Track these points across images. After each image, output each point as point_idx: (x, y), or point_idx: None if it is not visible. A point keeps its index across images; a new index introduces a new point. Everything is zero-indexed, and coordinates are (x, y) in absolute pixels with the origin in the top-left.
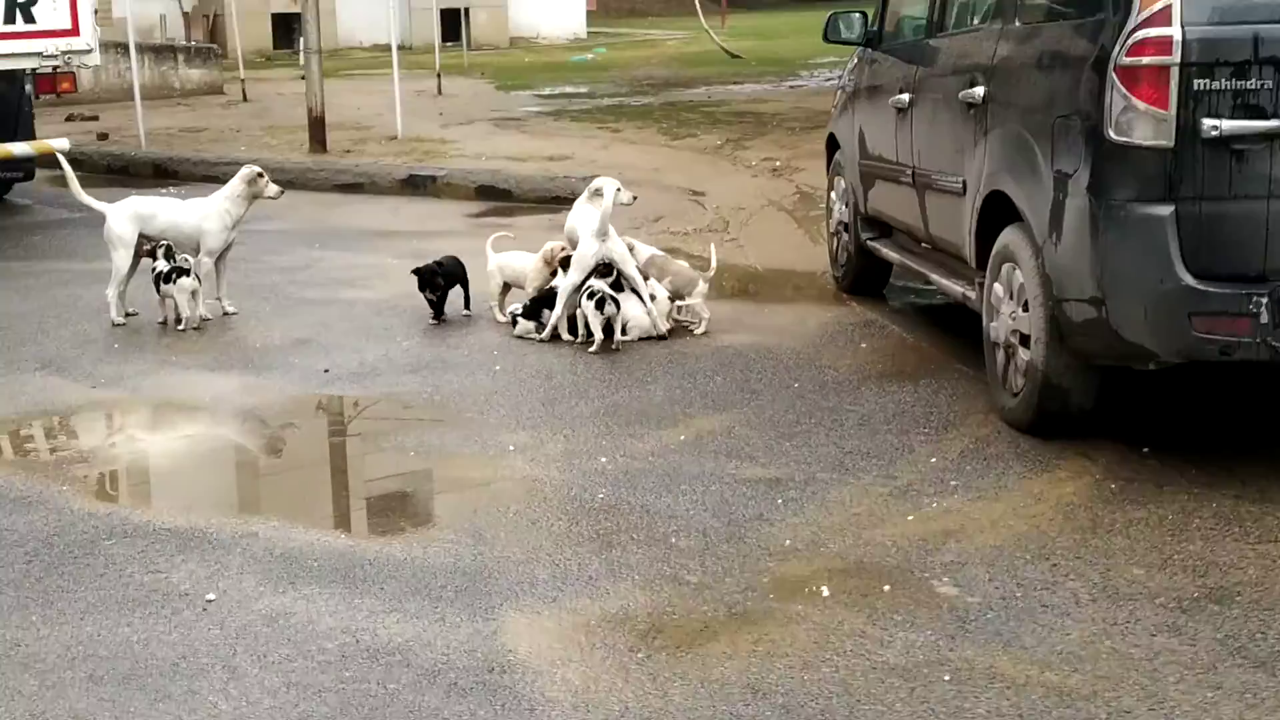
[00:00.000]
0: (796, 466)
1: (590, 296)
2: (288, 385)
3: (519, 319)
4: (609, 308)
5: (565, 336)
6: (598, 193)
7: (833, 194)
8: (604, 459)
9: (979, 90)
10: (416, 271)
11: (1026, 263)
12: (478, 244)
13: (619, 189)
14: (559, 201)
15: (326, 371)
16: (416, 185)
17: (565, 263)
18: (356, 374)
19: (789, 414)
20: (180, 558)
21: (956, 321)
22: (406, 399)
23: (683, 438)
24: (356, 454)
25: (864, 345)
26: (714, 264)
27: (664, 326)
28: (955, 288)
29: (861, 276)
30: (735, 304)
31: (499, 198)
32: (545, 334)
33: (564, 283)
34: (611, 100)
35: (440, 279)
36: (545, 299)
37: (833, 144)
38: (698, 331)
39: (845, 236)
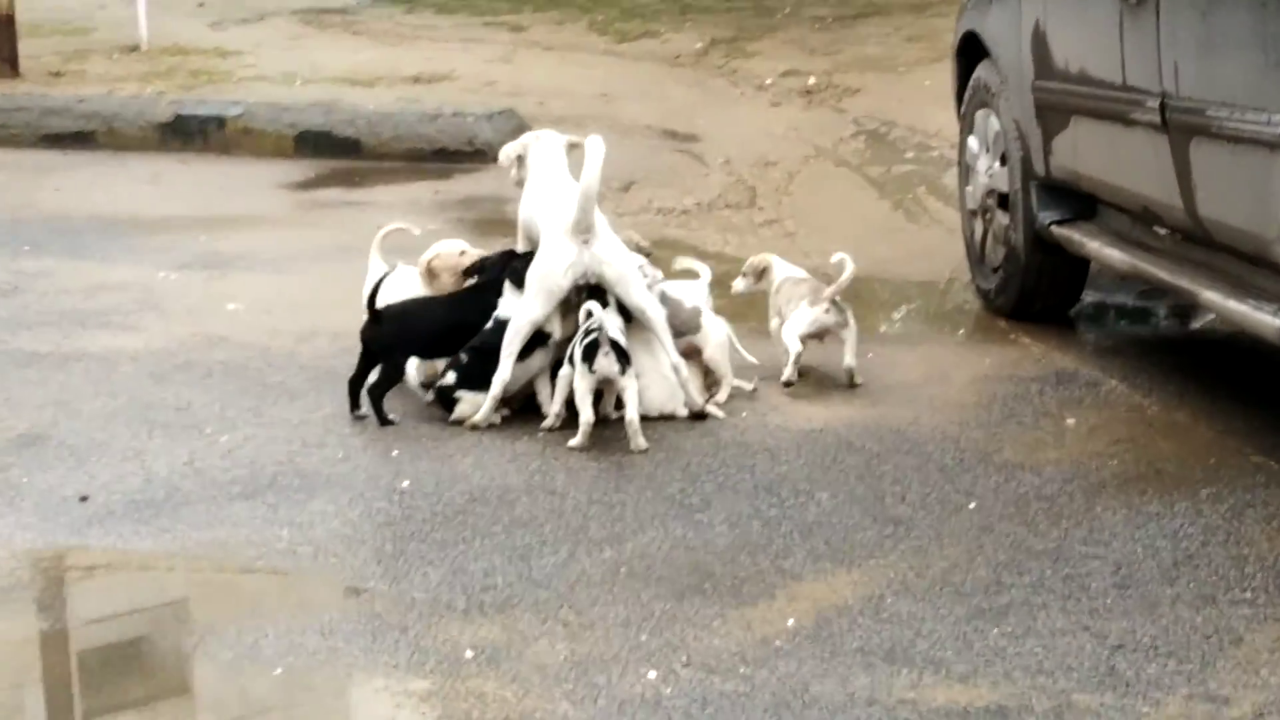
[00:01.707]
0: (1028, 679)
1: (579, 344)
2: (9, 532)
3: (457, 391)
4: (605, 361)
5: (546, 408)
6: (574, 147)
7: (973, 142)
8: (652, 674)
9: None
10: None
11: None
12: (318, 240)
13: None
14: (448, 157)
15: (84, 500)
16: (189, 133)
17: (515, 271)
18: (139, 504)
19: (978, 564)
20: None
21: (1230, 368)
22: (240, 557)
23: (791, 622)
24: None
25: (1071, 421)
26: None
27: (699, 398)
28: (1257, 315)
29: (1035, 289)
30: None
31: (338, 152)
32: (480, 416)
33: (515, 317)
34: None
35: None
36: (490, 347)
37: (970, 51)
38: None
39: (1004, 218)
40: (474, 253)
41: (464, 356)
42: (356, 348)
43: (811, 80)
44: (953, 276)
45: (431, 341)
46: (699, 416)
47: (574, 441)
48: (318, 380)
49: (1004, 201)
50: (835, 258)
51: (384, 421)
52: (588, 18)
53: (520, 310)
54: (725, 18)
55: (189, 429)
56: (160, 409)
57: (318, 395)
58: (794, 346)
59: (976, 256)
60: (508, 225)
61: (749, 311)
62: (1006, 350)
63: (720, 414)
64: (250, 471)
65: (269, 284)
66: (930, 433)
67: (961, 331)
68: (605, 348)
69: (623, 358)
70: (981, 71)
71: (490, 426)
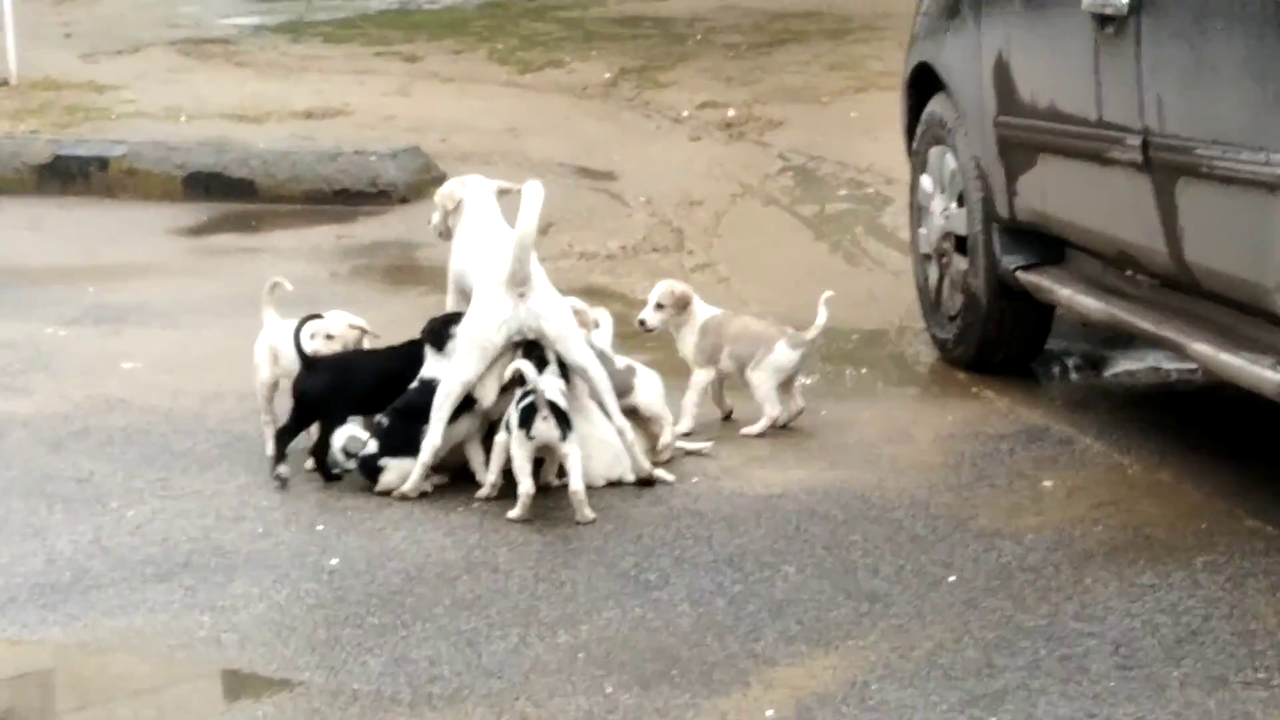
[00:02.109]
0: None
1: (515, 407)
2: None
3: (381, 459)
4: (544, 426)
5: (480, 475)
6: (505, 192)
7: (926, 181)
8: None
9: None
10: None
11: None
12: (215, 291)
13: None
14: (350, 198)
15: None
16: (69, 175)
17: (432, 331)
18: (44, 587)
19: (965, 644)
20: None
21: (1210, 422)
22: (159, 647)
23: (770, 713)
24: None
25: (1048, 483)
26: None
27: (646, 463)
28: (1254, 369)
29: (997, 339)
30: (752, 398)
31: (231, 194)
32: (410, 485)
33: (445, 379)
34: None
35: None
36: (414, 409)
37: (923, 83)
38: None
39: (962, 263)
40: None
41: (384, 420)
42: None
43: (731, 112)
44: (903, 324)
45: (370, 394)
46: (647, 483)
47: (513, 513)
48: (228, 446)
49: (962, 245)
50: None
51: (329, 478)
52: (486, 46)
53: (451, 370)
54: (632, 46)
55: (92, 503)
56: (59, 481)
57: (229, 463)
58: (773, 406)
59: (931, 304)
60: (419, 272)
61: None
62: (969, 405)
63: (670, 478)
64: (163, 550)
65: (166, 340)
66: (897, 497)
67: (919, 385)
68: (544, 411)
69: (563, 422)
70: (935, 106)
71: (421, 496)
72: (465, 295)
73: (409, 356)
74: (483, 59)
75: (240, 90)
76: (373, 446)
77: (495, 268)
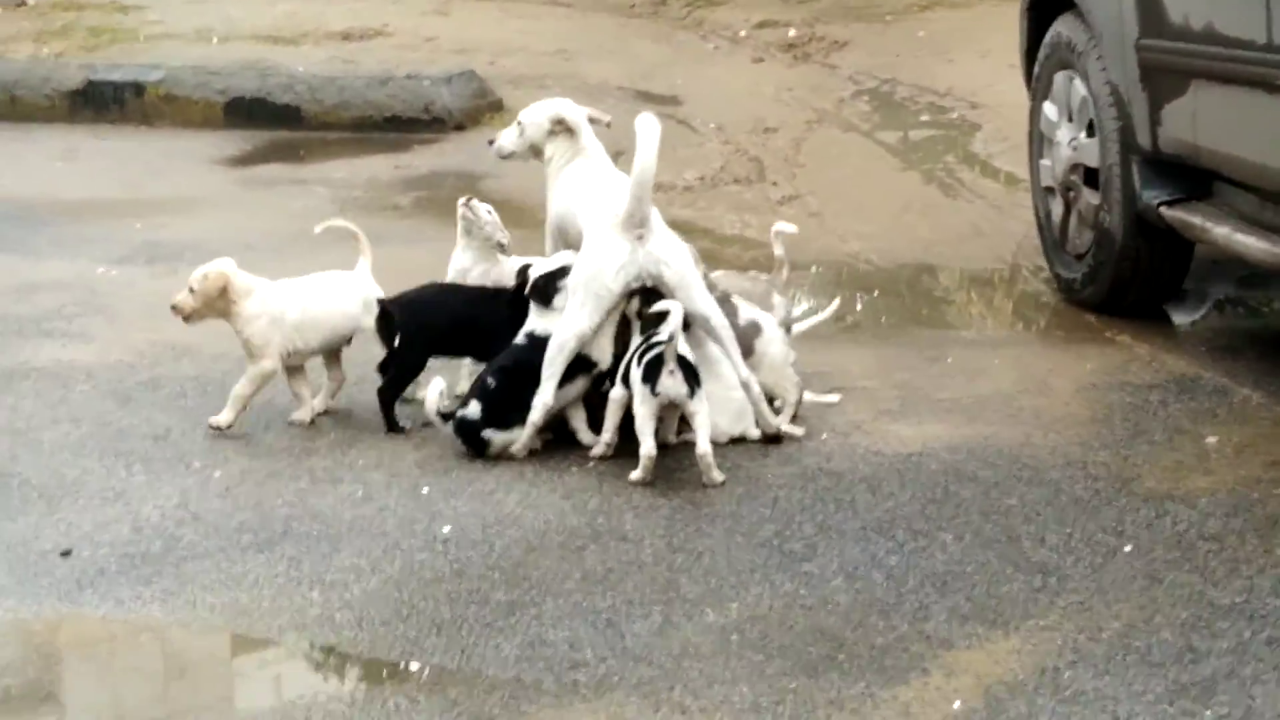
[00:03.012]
0: None
1: (640, 358)
2: None
3: (485, 430)
4: (671, 381)
5: (583, 436)
6: (595, 122)
7: (1050, 109)
8: None
9: None
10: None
11: None
12: (271, 226)
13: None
14: (402, 125)
15: (66, 555)
16: (102, 102)
17: (537, 288)
18: (134, 558)
19: (1158, 624)
20: None
21: None
22: (267, 628)
23: (958, 705)
24: None
25: (1211, 439)
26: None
27: (774, 420)
28: None
29: (1131, 279)
30: (874, 345)
31: (275, 121)
32: (520, 445)
33: (558, 331)
34: None
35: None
36: (523, 368)
37: (1047, 2)
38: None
39: (1092, 197)
40: (256, 281)
41: (491, 381)
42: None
43: (792, 32)
44: (1015, 261)
45: (448, 335)
46: (774, 440)
47: (634, 475)
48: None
49: (1092, 178)
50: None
51: (393, 428)
52: None
53: (564, 322)
54: None
55: (173, 463)
56: (134, 438)
57: (323, 418)
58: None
59: (1054, 240)
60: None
61: None
62: (1107, 351)
63: (799, 433)
64: (258, 516)
65: None
66: (1050, 456)
67: (1047, 329)
68: (670, 365)
69: (691, 377)
70: (1062, 27)
71: (530, 454)
72: (567, 240)
73: (487, 305)
74: None
75: (272, 10)
76: (475, 410)
77: (608, 208)
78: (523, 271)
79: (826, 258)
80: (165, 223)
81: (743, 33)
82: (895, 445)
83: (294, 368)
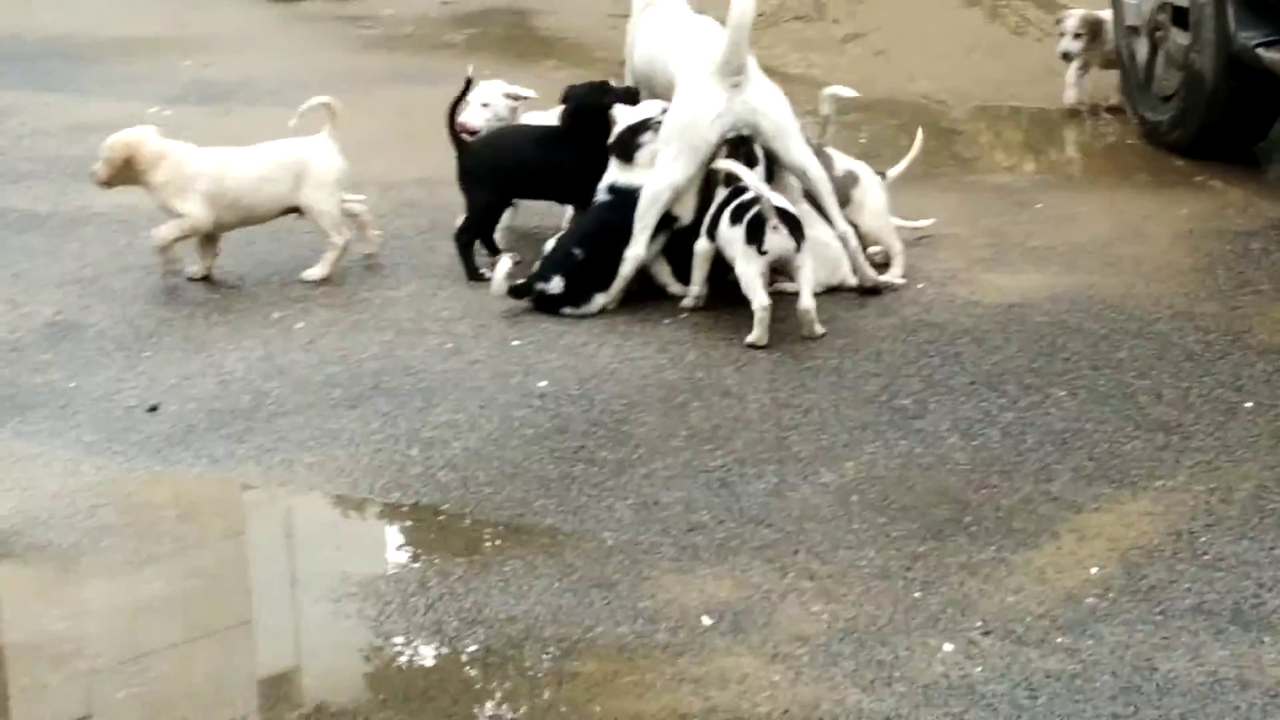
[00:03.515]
0: None
1: (735, 216)
2: (72, 455)
3: (564, 307)
4: (777, 238)
5: (670, 287)
6: None
7: None
8: (948, 646)
9: None
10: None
11: None
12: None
13: None
14: None
15: (153, 410)
16: None
17: (620, 142)
18: (224, 414)
19: None
20: None
21: None
22: (369, 485)
23: (1095, 570)
24: None
25: None
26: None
27: (872, 272)
28: None
29: (1222, 122)
30: (958, 190)
31: None
32: (610, 297)
33: (651, 182)
34: None
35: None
36: (610, 232)
37: None
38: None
39: (1181, 37)
40: (169, 149)
41: (577, 252)
42: (420, 201)
43: None
44: (1094, 102)
45: (517, 176)
46: (873, 291)
47: (752, 337)
48: (393, 246)
49: (1182, 17)
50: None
51: (473, 275)
52: None
53: (658, 173)
54: None
55: (250, 314)
56: (205, 285)
57: (400, 266)
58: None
59: (1139, 82)
60: (544, 44)
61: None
62: (1200, 197)
63: (900, 282)
64: (345, 369)
65: (282, 121)
66: (1154, 306)
67: (1136, 173)
68: (774, 220)
69: (796, 231)
70: None
71: (619, 306)
72: (650, 88)
73: (560, 147)
74: None
75: None
76: (557, 284)
77: (701, 54)
78: (568, 96)
79: (896, 98)
80: (213, 60)
81: None
82: (994, 295)
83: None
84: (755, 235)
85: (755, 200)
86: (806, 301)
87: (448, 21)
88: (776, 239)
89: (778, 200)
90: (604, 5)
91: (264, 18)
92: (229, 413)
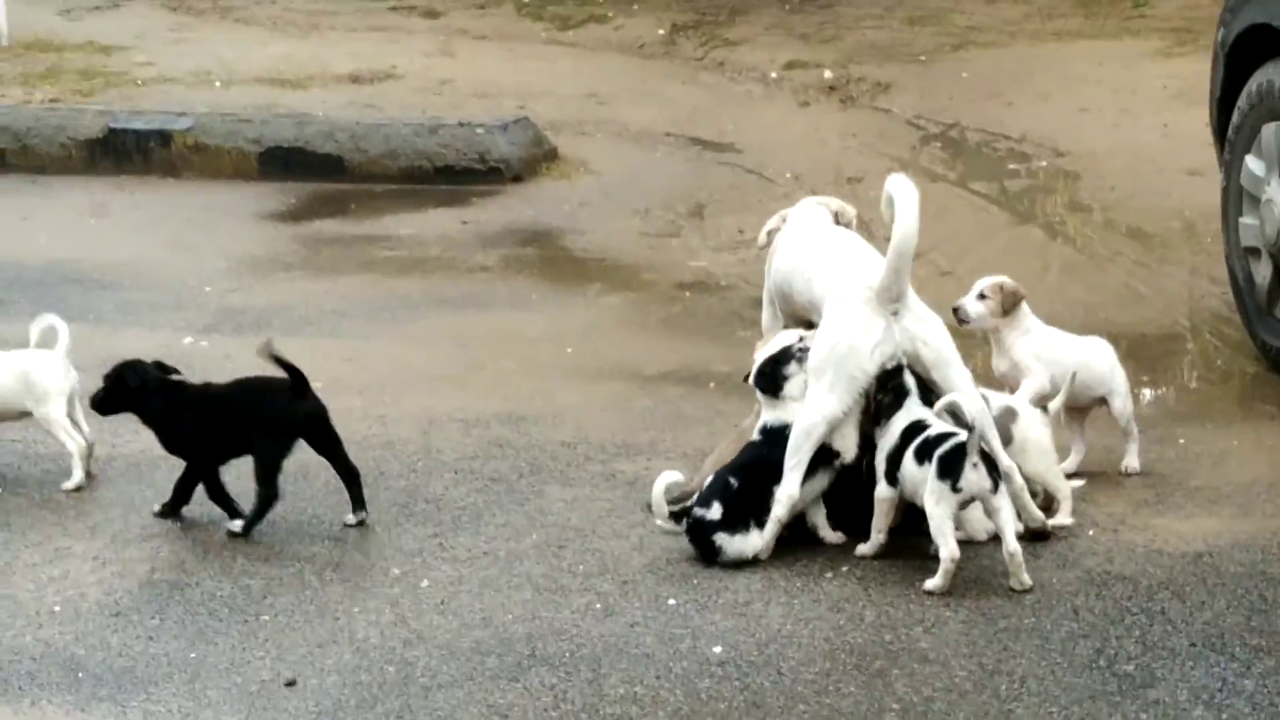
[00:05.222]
0: None
1: (920, 454)
2: None
3: (718, 534)
4: (975, 475)
5: (825, 535)
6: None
7: (1254, 164)
8: None
9: None
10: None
11: None
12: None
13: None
14: (455, 177)
15: (291, 685)
16: (124, 152)
17: (763, 375)
18: (366, 685)
19: None
20: None
21: None
22: None
23: None
24: None
25: None
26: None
27: (1039, 513)
28: None
29: None
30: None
31: (316, 172)
32: (764, 545)
33: (803, 416)
34: None
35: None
36: (764, 466)
37: (1250, 47)
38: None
39: None
40: None
41: (733, 481)
42: (510, 440)
43: (828, 74)
44: (1194, 325)
45: None
46: (1040, 536)
47: (932, 583)
48: (486, 490)
49: None
50: None
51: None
52: (512, 1)
53: (811, 406)
54: None
55: (367, 570)
56: (305, 537)
57: (499, 511)
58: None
59: (1258, 306)
60: (583, 266)
61: None
62: None
63: (1070, 521)
64: (492, 634)
65: (330, 352)
66: None
67: (1266, 404)
68: (974, 458)
69: (993, 470)
70: (1274, 74)
71: (771, 557)
72: (789, 306)
73: None
74: (511, 15)
75: (264, 51)
76: (715, 511)
77: (854, 278)
78: None
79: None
80: (235, 286)
81: (773, 74)
82: (1174, 542)
83: None
84: (950, 471)
85: (942, 437)
86: (1012, 545)
87: (473, 242)
88: (975, 476)
89: (982, 438)
90: (634, 223)
91: (275, 239)
92: (377, 687)
